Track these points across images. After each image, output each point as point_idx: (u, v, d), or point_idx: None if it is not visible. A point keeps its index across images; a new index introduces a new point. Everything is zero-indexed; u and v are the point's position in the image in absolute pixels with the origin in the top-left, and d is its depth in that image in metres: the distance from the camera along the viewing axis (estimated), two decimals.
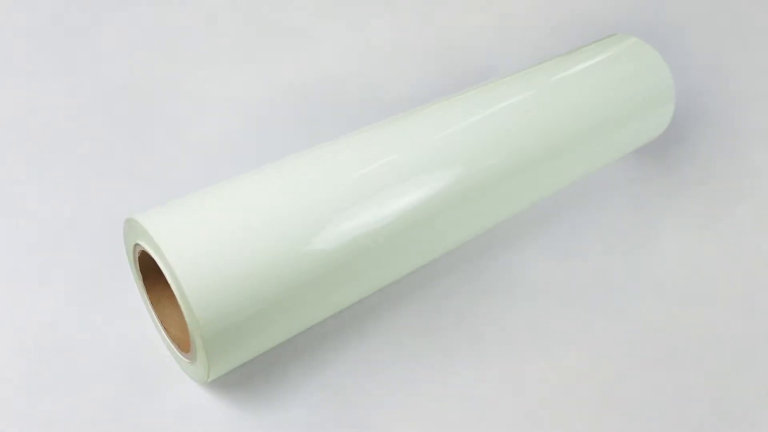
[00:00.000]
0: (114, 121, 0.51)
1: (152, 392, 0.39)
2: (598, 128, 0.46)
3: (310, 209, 0.37)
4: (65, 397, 0.38)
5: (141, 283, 0.40)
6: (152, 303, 0.40)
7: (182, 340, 0.39)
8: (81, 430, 0.37)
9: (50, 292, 0.42)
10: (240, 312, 0.34)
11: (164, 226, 0.35)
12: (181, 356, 0.39)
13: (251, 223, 0.35)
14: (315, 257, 0.36)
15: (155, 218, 0.36)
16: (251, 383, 0.40)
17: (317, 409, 0.39)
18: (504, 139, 0.42)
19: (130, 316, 0.42)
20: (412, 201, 0.39)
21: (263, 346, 0.38)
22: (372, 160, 0.39)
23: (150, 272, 0.40)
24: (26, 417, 0.37)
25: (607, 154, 0.48)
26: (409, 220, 0.39)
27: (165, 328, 0.40)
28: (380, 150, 0.40)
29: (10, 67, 0.54)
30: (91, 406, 0.38)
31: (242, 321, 0.35)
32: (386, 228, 0.38)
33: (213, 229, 0.35)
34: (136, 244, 0.37)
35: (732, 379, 0.43)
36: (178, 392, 0.39)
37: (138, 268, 0.39)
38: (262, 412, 0.39)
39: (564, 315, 0.45)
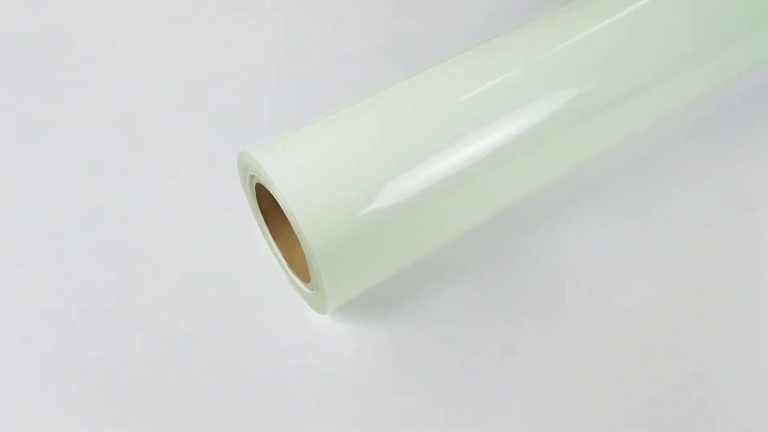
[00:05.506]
0: None
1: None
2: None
3: (420, 133, 0.36)
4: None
5: (259, 213, 0.41)
6: (272, 234, 0.41)
7: (304, 272, 0.39)
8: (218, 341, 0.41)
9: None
10: (355, 240, 0.34)
11: (275, 160, 0.35)
12: (304, 287, 0.39)
13: (359, 151, 0.35)
14: (427, 182, 0.36)
15: (266, 152, 0.36)
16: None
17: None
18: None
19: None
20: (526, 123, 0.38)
21: (379, 276, 0.38)
22: (486, 79, 0.38)
23: (265, 201, 0.40)
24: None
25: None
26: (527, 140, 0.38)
27: (286, 259, 0.40)
28: (492, 69, 0.39)
29: None
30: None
31: (357, 248, 0.35)
32: (504, 149, 0.38)
33: (322, 158, 0.35)
34: (252, 176, 0.38)
35: None
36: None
37: (255, 197, 0.40)
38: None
39: None
